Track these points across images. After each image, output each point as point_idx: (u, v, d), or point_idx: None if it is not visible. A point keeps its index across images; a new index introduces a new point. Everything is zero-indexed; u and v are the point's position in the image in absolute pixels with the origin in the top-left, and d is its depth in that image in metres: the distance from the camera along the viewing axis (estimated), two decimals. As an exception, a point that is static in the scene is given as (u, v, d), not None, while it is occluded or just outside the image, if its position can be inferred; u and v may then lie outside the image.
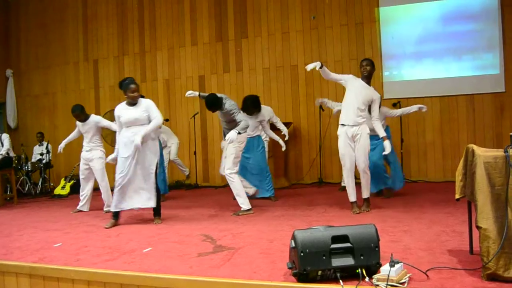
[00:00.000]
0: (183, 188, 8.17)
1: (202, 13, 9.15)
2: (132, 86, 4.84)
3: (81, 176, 6.29)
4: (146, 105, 4.91)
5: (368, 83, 5.05)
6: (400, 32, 7.84)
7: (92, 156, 6.14)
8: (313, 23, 8.39)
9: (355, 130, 4.94)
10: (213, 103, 5.36)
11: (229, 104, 5.34)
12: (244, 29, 8.87)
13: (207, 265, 3.15)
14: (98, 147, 6.19)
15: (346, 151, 4.97)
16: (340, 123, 5.05)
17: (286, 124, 7.98)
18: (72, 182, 8.53)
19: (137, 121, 4.83)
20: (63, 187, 8.57)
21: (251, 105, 6.12)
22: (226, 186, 8.17)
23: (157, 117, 4.89)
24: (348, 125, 4.96)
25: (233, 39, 8.94)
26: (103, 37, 9.96)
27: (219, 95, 5.48)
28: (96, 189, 6.34)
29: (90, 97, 10.02)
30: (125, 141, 4.84)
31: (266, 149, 6.90)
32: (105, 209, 6.08)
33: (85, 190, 6.27)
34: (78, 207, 6.25)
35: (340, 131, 5.00)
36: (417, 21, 7.76)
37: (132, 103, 4.88)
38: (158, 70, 9.52)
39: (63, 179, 8.81)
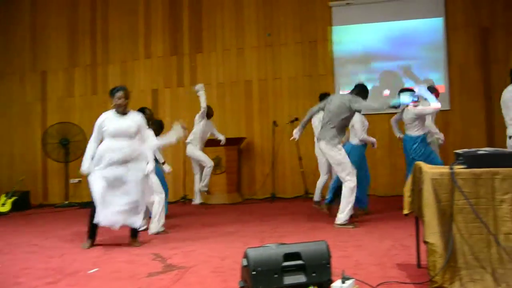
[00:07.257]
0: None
1: (157, 27, 9.03)
2: (119, 93, 4.41)
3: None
4: (137, 119, 4.50)
5: None
6: (352, 50, 8.07)
7: None
8: (268, 40, 8.48)
9: None
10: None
11: None
12: (199, 43, 8.83)
13: (157, 285, 3.04)
14: None
15: None
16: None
17: (239, 139, 8.01)
18: (13, 198, 8.07)
19: (126, 133, 4.38)
20: (3, 204, 8.08)
21: None
22: (177, 202, 8.02)
23: (153, 140, 4.70)
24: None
25: (187, 53, 8.88)
26: (52, 47, 9.59)
27: None
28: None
29: (37, 110, 9.58)
30: (113, 149, 4.31)
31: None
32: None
33: None
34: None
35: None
36: (367, 40, 8.02)
37: (121, 112, 4.44)
38: (109, 83, 9.23)
39: (3, 195, 8.30)
